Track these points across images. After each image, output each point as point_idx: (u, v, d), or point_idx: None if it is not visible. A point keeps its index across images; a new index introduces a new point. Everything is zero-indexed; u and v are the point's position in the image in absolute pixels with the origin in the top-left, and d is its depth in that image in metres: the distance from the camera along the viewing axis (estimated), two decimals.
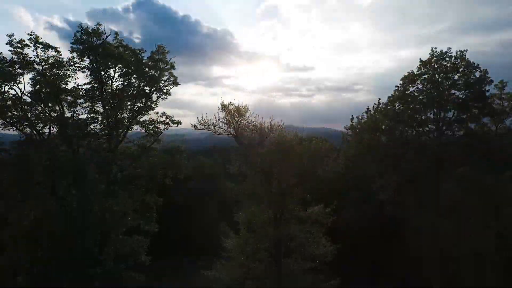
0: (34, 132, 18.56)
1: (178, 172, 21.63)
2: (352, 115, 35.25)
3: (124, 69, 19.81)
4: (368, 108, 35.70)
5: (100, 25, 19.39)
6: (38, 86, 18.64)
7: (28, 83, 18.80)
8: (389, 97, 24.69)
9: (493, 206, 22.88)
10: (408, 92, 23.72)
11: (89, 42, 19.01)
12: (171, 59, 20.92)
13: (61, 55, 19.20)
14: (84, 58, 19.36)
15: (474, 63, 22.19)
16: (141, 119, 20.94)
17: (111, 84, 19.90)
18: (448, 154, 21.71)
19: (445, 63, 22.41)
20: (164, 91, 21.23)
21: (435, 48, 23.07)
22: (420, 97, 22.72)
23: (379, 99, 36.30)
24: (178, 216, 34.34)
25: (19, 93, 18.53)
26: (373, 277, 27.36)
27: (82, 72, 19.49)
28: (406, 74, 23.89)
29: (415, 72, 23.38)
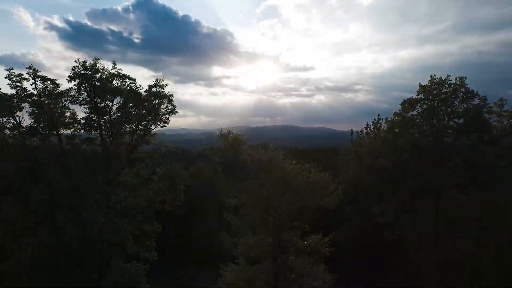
0: (33, 164, 18.58)
1: (177, 199, 21.67)
2: (351, 136, 35.15)
3: (122, 101, 19.86)
4: (367, 125, 35.59)
5: (98, 59, 19.44)
6: (36, 119, 18.69)
7: (26, 112, 18.89)
8: (389, 121, 24.77)
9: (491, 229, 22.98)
10: (408, 115, 23.78)
11: (87, 77, 19.00)
12: (169, 91, 20.99)
13: (59, 87, 19.30)
14: (82, 91, 19.39)
15: (473, 91, 22.26)
16: (140, 152, 20.96)
17: (110, 115, 19.94)
18: (448, 182, 21.77)
19: (445, 89, 22.48)
20: (163, 119, 21.28)
21: (435, 75, 23.13)
22: (420, 124, 22.79)
23: (378, 115, 36.26)
24: (175, 227, 34.26)
25: (17, 126, 18.58)
26: None
27: (80, 105, 19.52)
28: (406, 99, 23.99)
29: (415, 97, 23.48)
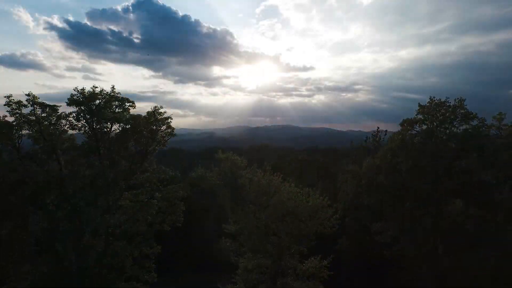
0: (33, 190, 18.57)
1: (176, 221, 21.72)
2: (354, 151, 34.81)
3: (121, 130, 19.84)
4: (367, 138, 35.42)
5: (96, 87, 19.47)
6: (35, 144, 18.69)
7: (25, 136, 18.91)
8: (388, 140, 24.64)
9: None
10: (407, 134, 23.65)
11: (85, 104, 18.98)
12: (169, 116, 21.04)
13: (58, 113, 19.28)
14: (80, 118, 19.37)
15: (472, 113, 22.21)
16: (138, 177, 20.98)
17: (109, 142, 19.93)
18: (446, 202, 21.78)
19: (444, 111, 22.41)
20: (162, 142, 21.30)
21: (434, 97, 23.11)
22: (419, 144, 22.71)
23: (378, 127, 36.01)
24: (175, 234, 34.17)
25: (16, 151, 18.58)
26: None
27: (79, 131, 19.49)
28: (405, 119, 23.93)
29: (414, 117, 23.40)
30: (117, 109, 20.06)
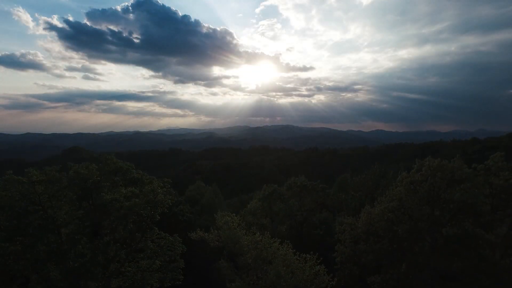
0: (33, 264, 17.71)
1: (176, 279, 21.20)
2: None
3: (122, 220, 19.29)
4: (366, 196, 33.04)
5: (92, 164, 19.32)
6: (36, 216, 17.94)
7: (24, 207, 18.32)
8: (387, 194, 23.98)
9: None
10: (405, 193, 22.92)
11: (82, 187, 18.55)
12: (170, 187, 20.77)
13: (58, 184, 18.72)
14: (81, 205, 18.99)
15: (470, 175, 21.81)
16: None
17: (109, 221, 19.30)
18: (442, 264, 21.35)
19: (442, 173, 21.85)
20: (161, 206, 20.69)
21: (432, 157, 22.77)
22: (416, 207, 22.10)
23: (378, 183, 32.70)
24: None
25: (17, 223, 17.68)
26: None
27: (77, 217, 18.77)
28: (404, 175, 23.32)
29: (412, 175, 22.74)
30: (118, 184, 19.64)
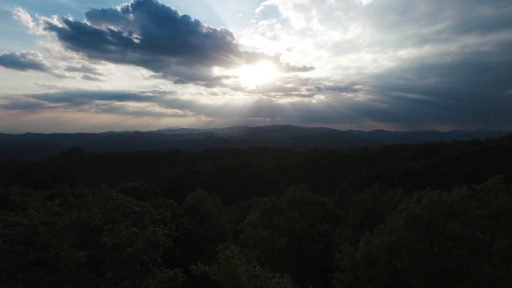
0: None
1: None
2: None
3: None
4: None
5: (92, 209, 19.10)
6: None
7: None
8: (386, 226, 23.91)
9: None
10: (405, 231, 22.80)
11: (84, 230, 18.41)
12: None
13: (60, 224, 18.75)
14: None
15: (469, 209, 21.95)
16: None
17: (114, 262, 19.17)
18: None
19: (441, 206, 21.84)
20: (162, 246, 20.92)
21: (431, 191, 22.70)
22: (415, 243, 22.05)
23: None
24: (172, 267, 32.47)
25: None
26: None
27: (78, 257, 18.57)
28: (403, 206, 23.17)
29: (412, 206, 22.69)
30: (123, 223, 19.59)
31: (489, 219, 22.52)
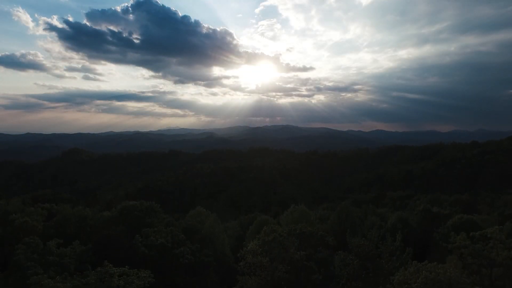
0: None
1: None
2: None
3: None
4: None
5: None
6: None
7: None
8: None
9: None
10: None
11: None
12: None
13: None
14: None
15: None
16: None
17: None
18: None
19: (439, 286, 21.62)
20: None
21: (427, 265, 22.51)
22: None
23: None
24: None
25: None
26: None
27: None
28: (401, 278, 22.79)
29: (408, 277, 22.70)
30: None
31: (488, 269, 22.25)
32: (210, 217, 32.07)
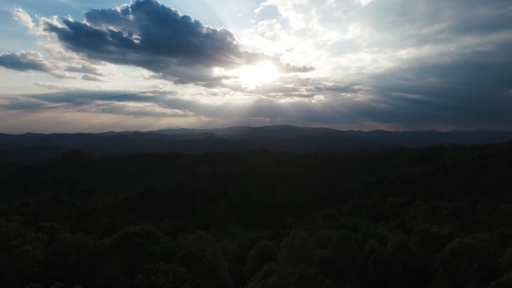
0: None
1: None
2: None
3: None
4: None
5: None
6: None
7: None
8: None
9: None
10: None
11: None
12: None
13: None
14: None
15: None
16: None
17: None
18: None
19: None
20: None
21: None
22: None
23: None
24: None
25: None
26: None
27: None
28: None
29: None
30: None
31: None
32: (211, 243, 31.82)
